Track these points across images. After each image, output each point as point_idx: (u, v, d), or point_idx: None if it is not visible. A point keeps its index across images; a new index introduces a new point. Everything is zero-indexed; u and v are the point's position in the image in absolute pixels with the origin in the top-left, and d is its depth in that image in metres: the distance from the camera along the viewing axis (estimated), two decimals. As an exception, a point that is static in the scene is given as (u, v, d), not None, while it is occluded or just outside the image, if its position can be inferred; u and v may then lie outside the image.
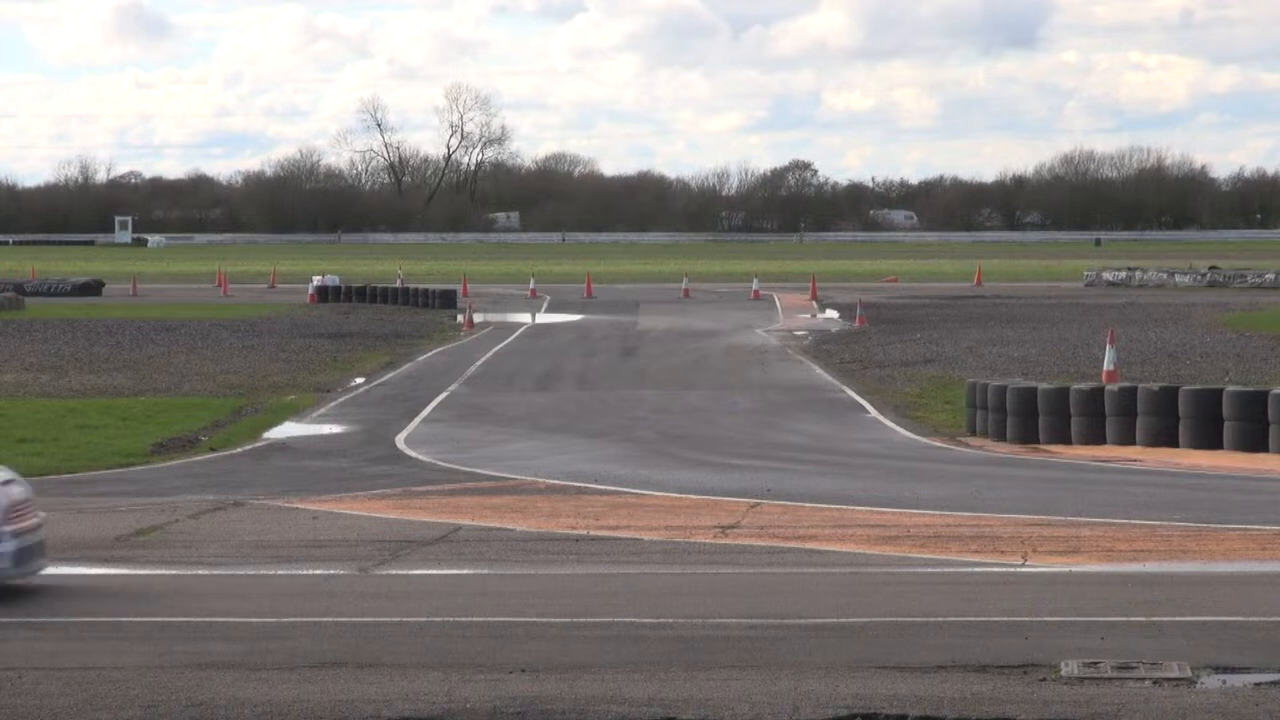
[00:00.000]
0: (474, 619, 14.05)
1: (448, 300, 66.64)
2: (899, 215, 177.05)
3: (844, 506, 20.37)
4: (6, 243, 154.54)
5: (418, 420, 30.85)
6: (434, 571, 16.63)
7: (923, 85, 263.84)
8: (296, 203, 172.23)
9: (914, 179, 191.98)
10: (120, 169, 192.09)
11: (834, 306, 64.49)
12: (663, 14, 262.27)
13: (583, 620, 14.00)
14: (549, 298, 72.33)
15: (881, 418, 31.22)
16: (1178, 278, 79.95)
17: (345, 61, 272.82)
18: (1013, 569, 16.35)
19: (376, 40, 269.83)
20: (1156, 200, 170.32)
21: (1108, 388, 27.27)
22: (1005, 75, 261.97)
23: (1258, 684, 11.72)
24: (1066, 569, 16.30)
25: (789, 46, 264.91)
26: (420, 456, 25.99)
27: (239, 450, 27.25)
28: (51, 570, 16.82)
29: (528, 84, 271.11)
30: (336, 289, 72.23)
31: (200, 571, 16.73)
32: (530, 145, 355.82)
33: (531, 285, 76.88)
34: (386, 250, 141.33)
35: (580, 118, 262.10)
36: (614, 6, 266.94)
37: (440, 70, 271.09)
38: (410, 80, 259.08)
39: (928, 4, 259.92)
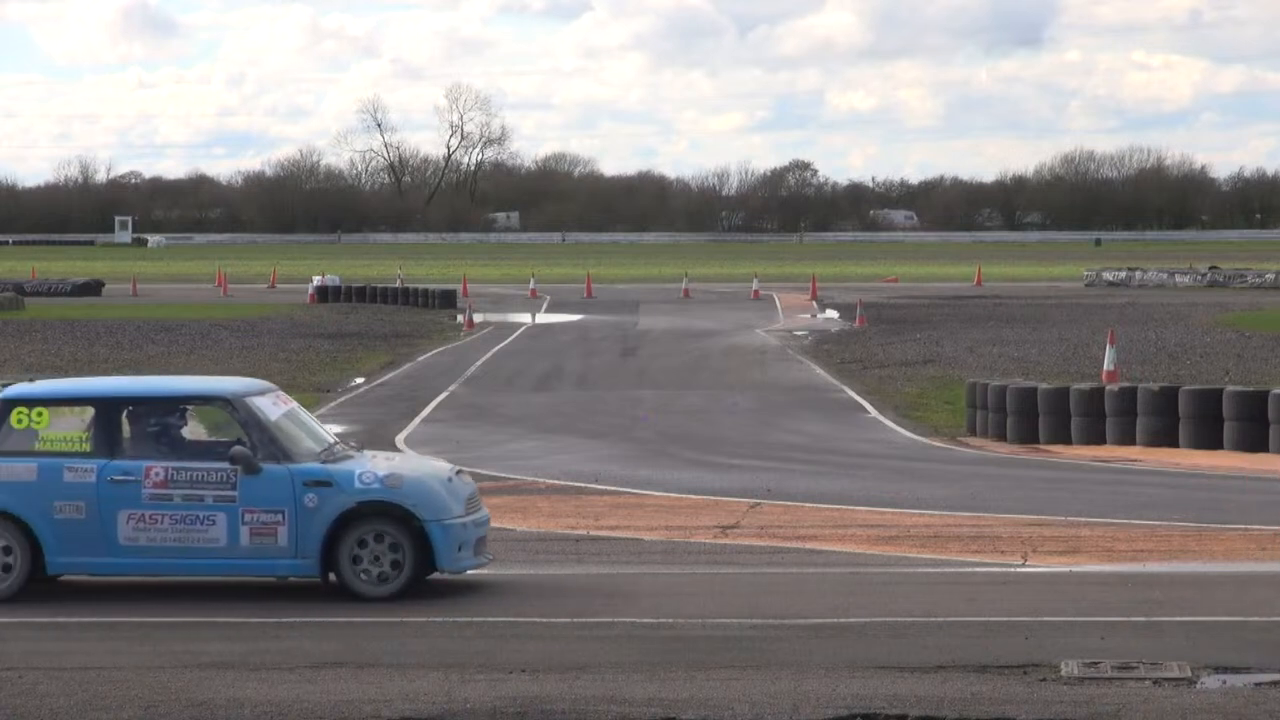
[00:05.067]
0: (474, 619, 14.06)
1: (448, 300, 66.64)
2: (899, 215, 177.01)
3: (844, 506, 20.37)
4: (6, 243, 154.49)
5: (418, 420, 30.85)
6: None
7: (927, 85, 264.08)
8: (296, 203, 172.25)
9: (917, 179, 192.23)
10: (121, 169, 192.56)
11: (834, 306, 64.49)
12: (669, 14, 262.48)
13: (583, 620, 14.00)
14: (549, 298, 72.34)
15: (881, 418, 31.22)
16: (1178, 278, 79.95)
17: (350, 61, 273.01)
18: (1013, 569, 16.36)
19: (382, 40, 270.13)
20: (1156, 200, 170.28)
21: (1108, 388, 27.27)
22: (1009, 75, 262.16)
23: (1258, 684, 11.72)
24: (1066, 569, 16.30)
25: (794, 46, 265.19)
26: (420, 456, 25.97)
27: (239, 450, 27.20)
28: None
29: (532, 83, 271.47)
30: (336, 289, 72.24)
31: (200, 571, 16.71)
32: (533, 145, 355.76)
33: (532, 285, 76.88)
34: (387, 250, 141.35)
35: (584, 117, 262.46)
36: (620, 6, 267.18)
37: (445, 70, 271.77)
38: (415, 80, 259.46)
39: (934, 4, 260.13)
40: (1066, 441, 26.81)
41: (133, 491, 14.83)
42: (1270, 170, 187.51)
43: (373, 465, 15.19)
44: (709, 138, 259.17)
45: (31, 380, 16.15)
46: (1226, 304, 64.05)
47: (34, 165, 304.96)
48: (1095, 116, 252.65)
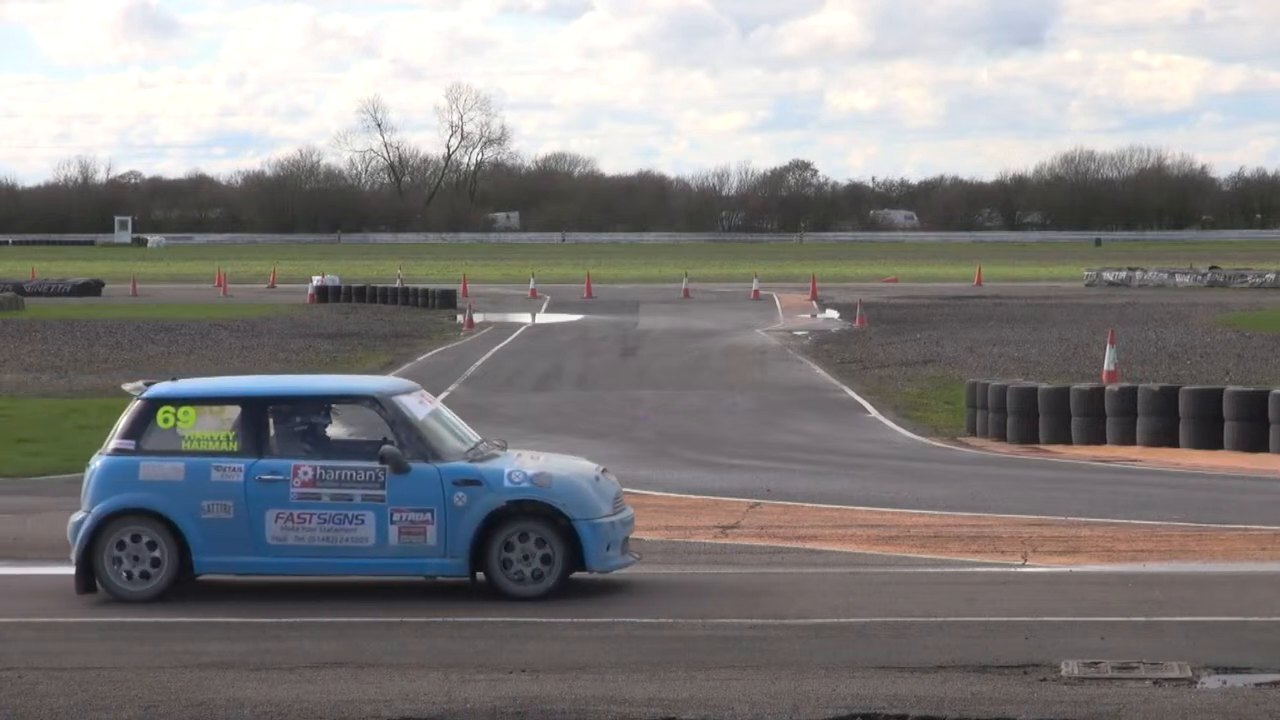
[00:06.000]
0: (474, 619, 14.05)
1: (448, 300, 66.64)
2: (899, 215, 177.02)
3: (844, 506, 20.36)
4: (6, 243, 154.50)
5: (418, 420, 30.79)
6: (434, 571, 16.60)
7: (927, 85, 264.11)
8: (296, 203, 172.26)
9: (917, 179, 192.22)
10: (121, 169, 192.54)
11: (834, 306, 64.49)
12: (670, 14, 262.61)
13: (583, 620, 14.00)
14: (549, 298, 72.33)
15: (881, 418, 31.22)
16: (1178, 278, 79.96)
17: (351, 61, 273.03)
18: (1013, 569, 16.35)
19: (383, 40, 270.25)
20: (1156, 200, 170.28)
21: (1108, 388, 27.28)
22: (1010, 75, 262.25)
23: (1258, 684, 11.72)
24: (1066, 569, 16.30)
25: (795, 46, 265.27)
26: (420, 456, 25.91)
27: (239, 450, 27.19)
28: (52, 570, 16.83)
29: (533, 83, 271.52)
30: (336, 289, 72.26)
31: (200, 571, 16.71)
32: (534, 145, 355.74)
33: (532, 285, 76.89)
34: (387, 250, 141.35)
35: (584, 117, 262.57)
36: (621, 6, 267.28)
37: (446, 70, 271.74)
38: (416, 80, 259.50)
39: (934, 3, 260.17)
40: (1066, 441, 26.81)
41: (281, 491, 14.80)
42: (1270, 170, 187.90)
43: (520, 464, 15.11)
44: (709, 138, 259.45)
45: (173, 380, 16.09)
46: (1226, 304, 64.06)
47: (34, 165, 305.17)
48: (1096, 116, 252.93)
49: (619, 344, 49.45)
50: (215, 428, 15.05)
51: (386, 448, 14.79)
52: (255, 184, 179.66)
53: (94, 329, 53.35)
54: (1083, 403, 26.91)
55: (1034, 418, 27.23)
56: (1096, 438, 26.62)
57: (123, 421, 15.24)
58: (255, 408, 15.08)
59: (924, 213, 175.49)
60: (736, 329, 54.77)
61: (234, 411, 15.09)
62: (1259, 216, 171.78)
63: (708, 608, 14.40)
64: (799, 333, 53.54)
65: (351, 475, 14.78)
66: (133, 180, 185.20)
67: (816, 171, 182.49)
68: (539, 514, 14.77)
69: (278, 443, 15.01)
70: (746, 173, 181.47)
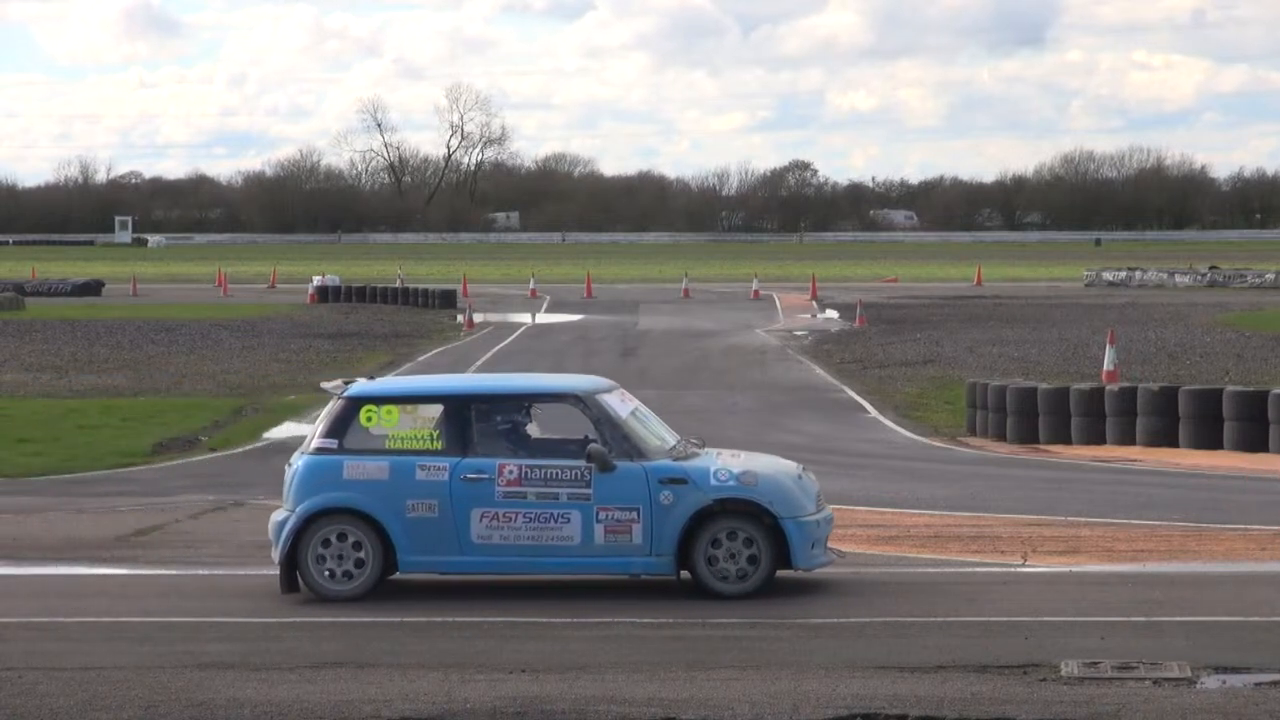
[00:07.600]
0: (474, 619, 14.05)
1: (448, 300, 66.65)
2: (899, 215, 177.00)
3: (844, 506, 20.31)
4: (6, 243, 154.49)
5: (418, 420, 30.80)
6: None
7: (928, 85, 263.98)
8: (296, 203, 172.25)
9: (917, 179, 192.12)
10: (122, 169, 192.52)
11: (834, 306, 64.49)
12: (672, 13, 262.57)
13: (583, 620, 14.00)
14: (549, 298, 72.32)
15: (881, 418, 31.21)
16: (1178, 278, 79.96)
17: (352, 61, 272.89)
18: (1013, 569, 16.35)
19: (384, 40, 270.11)
20: (1156, 200, 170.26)
21: (1108, 388, 27.28)
22: (1011, 75, 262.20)
23: (1258, 684, 11.71)
24: (1066, 569, 16.29)
25: (796, 46, 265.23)
26: (420, 456, 25.90)
27: (239, 450, 27.23)
28: (51, 570, 16.85)
29: (534, 83, 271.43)
30: (336, 289, 72.27)
31: (200, 571, 16.73)
32: (535, 145, 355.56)
33: (532, 285, 76.89)
34: (387, 250, 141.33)
35: (585, 117, 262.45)
36: (623, 6, 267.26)
37: (447, 70, 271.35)
38: (417, 80, 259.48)
39: (936, 3, 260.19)
40: (1066, 441, 26.81)
41: (486, 490, 14.74)
42: (1270, 170, 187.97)
43: (724, 462, 15.08)
44: (710, 138, 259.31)
45: (370, 378, 16.02)
46: (1226, 304, 64.06)
47: (34, 165, 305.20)
48: (1097, 116, 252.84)
49: (619, 344, 49.44)
50: (418, 426, 14.97)
51: (593, 446, 14.75)
52: (255, 184, 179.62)
53: (94, 329, 53.35)
54: (1083, 403, 26.92)
55: (1034, 418, 27.24)
56: (1096, 438, 26.62)
57: (323, 421, 15.18)
58: (459, 406, 15.00)
59: (924, 213, 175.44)
60: (736, 329, 54.77)
61: (436, 410, 15.00)
62: (1259, 216, 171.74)
63: (707, 608, 14.40)
64: (799, 333, 53.55)
65: (557, 474, 14.76)
66: (133, 180, 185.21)
67: (816, 171, 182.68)
68: (745, 512, 14.71)
69: (481, 442, 14.93)
70: (746, 173, 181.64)
